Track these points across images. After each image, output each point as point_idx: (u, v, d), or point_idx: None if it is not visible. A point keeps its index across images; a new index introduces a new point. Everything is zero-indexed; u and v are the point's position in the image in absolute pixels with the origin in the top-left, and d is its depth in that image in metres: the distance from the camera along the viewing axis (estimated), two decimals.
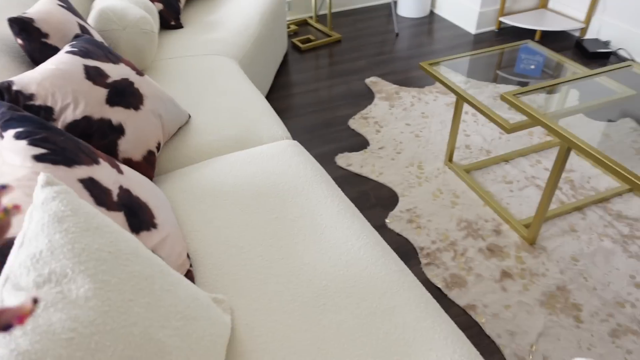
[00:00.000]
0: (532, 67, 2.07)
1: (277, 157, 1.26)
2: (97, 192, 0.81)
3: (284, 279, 0.92)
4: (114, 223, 0.68)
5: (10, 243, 0.64)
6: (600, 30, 2.87)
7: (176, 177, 1.22)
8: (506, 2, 3.08)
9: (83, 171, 0.82)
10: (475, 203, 1.75)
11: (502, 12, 3.08)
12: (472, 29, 3.14)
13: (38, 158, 0.78)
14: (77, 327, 0.52)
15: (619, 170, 1.17)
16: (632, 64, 1.70)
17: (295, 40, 3.07)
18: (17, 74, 1.22)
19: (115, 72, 1.20)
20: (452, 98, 2.40)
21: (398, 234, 1.64)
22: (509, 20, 3.04)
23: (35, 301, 0.30)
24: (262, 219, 1.06)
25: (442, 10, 3.43)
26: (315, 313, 0.86)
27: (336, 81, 2.65)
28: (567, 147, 1.35)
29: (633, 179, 1.13)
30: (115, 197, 0.85)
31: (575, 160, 1.93)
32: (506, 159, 1.96)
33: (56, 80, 1.07)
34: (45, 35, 1.26)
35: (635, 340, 1.29)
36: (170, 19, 2.11)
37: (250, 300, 0.89)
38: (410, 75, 2.67)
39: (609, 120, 1.61)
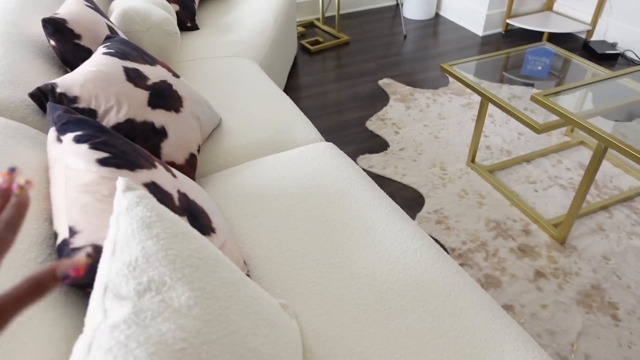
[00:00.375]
0: (539, 68, 2.08)
1: (318, 160, 1.24)
2: (161, 196, 0.79)
3: (345, 283, 0.91)
4: (192, 228, 0.66)
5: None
6: (607, 32, 2.90)
7: (216, 180, 1.20)
8: (513, 5, 3.10)
9: (145, 175, 0.80)
10: (502, 203, 1.75)
11: (509, 14, 3.11)
12: (480, 31, 3.16)
13: (102, 162, 0.76)
14: (187, 337, 0.50)
15: None
16: None
17: (304, 42, 3.05)
18: (51, 76, 1.18)
19: (154, 73, 1.17)
20: (467, 99, 2.40)
21: (428, 235, 1.63)
22: (515, 22, 3.06)
23: (89, 255, 0.33)
24: (312, 222, 1.05)
25: (448, 13, 3.44)
26: (382, 317, 0.85)
27: (348, 83, 2.64)
28: (603, 146, 1.36)
29: None
30: (177, 202, 0.82)
31: None
32: (527, 159, 1.97)
33: (99, 82, 1.04)
34: (78, 37, 1.23)
35: None
36: (186, 21, 2.08)
37: (312, 306, 0.87)
38: (423, 76, 2.67)
39: (621, 120, 1.62)
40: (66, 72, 1.28)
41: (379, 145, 2.11)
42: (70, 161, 0.76)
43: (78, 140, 0.78)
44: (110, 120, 1.03)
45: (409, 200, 1.80)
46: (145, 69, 1.16)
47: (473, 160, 1.93)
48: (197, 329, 0.52)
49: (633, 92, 1.63)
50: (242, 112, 1.47)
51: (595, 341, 1.29)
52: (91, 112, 1.01)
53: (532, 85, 1.96)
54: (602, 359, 1.25)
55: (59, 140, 0.80)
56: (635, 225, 1.64)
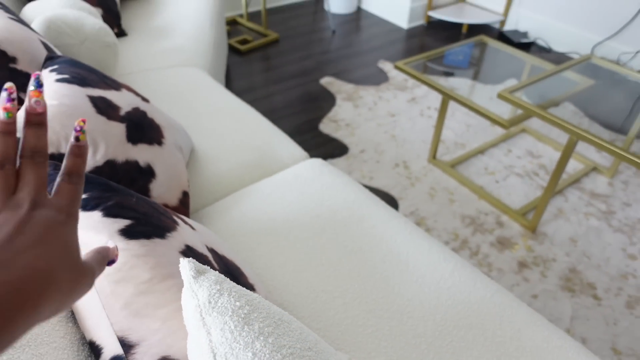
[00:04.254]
0: (461, 57, 2.17)
1: (317, 180, 1.15)
2: (201, 262, 0.65)
3: (397, 321, 0.84)
4: (277, 308, 0.54)
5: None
6: (518, 22, 3.12)
7: (210, 217, 1.05)
8: None
9: (177, 240, 0.65)
10: (470, 198, 1.79)
11: (430, 7, 3.20)
12: (405, 24, 3.22)
13: (127, 233, 0.60)
14: None
15: (623, 154, 1.25)
16: (592, 57, 1.85)
17: (231, 41, 2.87)
18: None
19: (123, 101, 0.98)
20: (411, 94, 2.43)
21: (454, 252, 1.61)
22: (437, 14, 3.17)
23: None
24: (337, 255, 0.96)
25: (370, 6, 3.46)
26: (448, 353, 0.79)
27: (289, 84, 2.54)
28: (575, 140, 1.43)
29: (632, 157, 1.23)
30: (215, 264, 0.68)
31: (540, 147, 2.07)
32: (481, 150, 2.04)
33: (66, 120, 0.84)
34: (13, 60, 0.99)
35: None
36: (112, 26, 1.82)
37: (372, 353, 0.79)
38: (363, 73, 2.65)
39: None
40: None
41: (338, 148, 2.05)
42: (86, 237, 0.58)
43: (85, 206, 0.61)
44: (87, 165, 0.84)
45: None
46: (112, 95, 0.97)
47: (434, 157, 1.96)
48: None
49: (572, 82, 1.75)
50: (212, 133, 1.31)
51: (586, 323, 1.37)
52: (62, 159, 0.81)
53: (452, 74, 2.01)
54: (597, 340, 1.33)
55: None
56: (588, 205, 1.77)
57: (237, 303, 0.48)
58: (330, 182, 1.14)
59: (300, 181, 1.15)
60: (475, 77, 1.91)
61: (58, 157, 0.81)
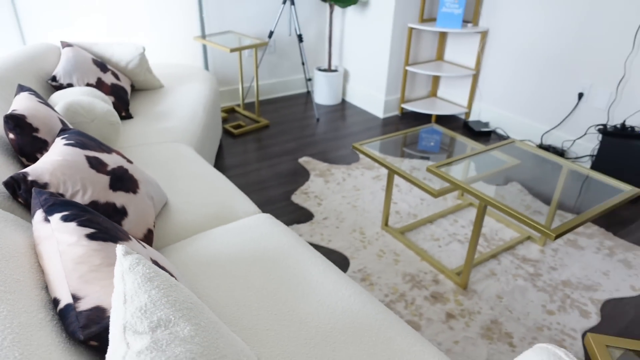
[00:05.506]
0: (432, 144, 2.53)
1: (260, 228, 1.44)
2: None
3: (295, 328, 1.08)
4: (178, 282, 0.82)
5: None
6: (480, 114, 3.55)
7: (172, 251, 1.34)
8: (405, 92, 3.68)
9: (126, 246, 0.94)
10: (414, 259, 2.04)
11: (403, 100, 3.67)
12: (380, 114, 3.68)
13: (90, 236, 0.90)
14: (195, 357, 0.66)
15: (524, 219, 1.53)
16: (515, 141, 2.20)
17: (227, 126, 3.32)
18: (10, 166, 1.29)
19: (111, 160, 1.33)
20: (376, 172, 2.78)
21: (357, 284, 1.85)
22: (409, 107, 3.62)
23: None
24: (262, 282, 1.22)
25: (352, 99, 3.95)
26: (329, 351, 1.03)
27: (271, 162, 2.92)
28: (484, 205, 1.72)
29: (537, 225, 1.50)
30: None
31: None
32: (430, 220, 2.32)
33: (65, 170, 1.18)
34: (36, 130, 1.36)
35: None
36: (121, 110, 2.25)
37: (271, 349, 1.03)
38: (337, 154, 3.03)
39: (498, 185, 2.05)
40: (21, 162, 1.38)
41: (305, 215, 2.35)
42: (61, 238, 0.89)
43: (66, 219, 0.92)
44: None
45: (336, 262, 2.02)
46: (103, 156, 1.32)
47: (386, 224, 2.24)
48: (200, 351, 0.68)
49: (502, 161, 2.08)
50: (185, 192, 1.64)
51: None
52: (60, 196, 1.14)
53: (427, 158, 2.37)
54: None
55: (47, 220, 0.93)
56: (518, 268, 2.01)
57: (147, 270, 0.77)
58: (269, 231, 1.44)
59: (247, 229, 1.44)
60: (438, 158, 2.26)
61: (50, 193, 1.14)
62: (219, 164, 2.88)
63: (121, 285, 0.74)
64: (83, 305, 0.79)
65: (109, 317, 0.79)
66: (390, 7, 3.28)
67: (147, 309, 0.70)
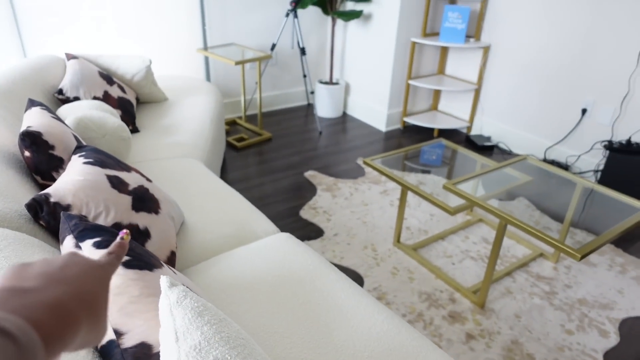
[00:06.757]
0: (434, 157, 2.52)
1: (283, 248, 1.40)
2: None
3: (331, 357, 1.04)
4: (225, 315, 0.78)
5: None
6: (482, 128, 3.56)
7: (194, 274, 1.29)
8: (407, 106, 3.68)
9: (161, 274, 0.90)
10: (428, 277, 2.01)
11: (405, 113, 3.67)
12: (383, 128, 3.66)
13: (126, 265, 0.85)
14: None
15: (551, 241, 1.51)
16: (527, 157, 2.20)
17: (229, 139, 3.27)
18: (27, 185, 1.23)
19: (132, 179, 1.28)
20: (384, 187, 2.75)
21: (388, 308, 1.81)
22: (411, 120, 3.62)
23: (127, 234, 0.48)
24: (290, 306, 1.18)
25: (353, 111, 3.94)
26: None
27: (276, 176, 2.88)
28: (504, 224, 1.71)
29: (563, 247, 1.49)
30: None
31: (494, 235, 2.34)
32: (442, 236, 2.30)
33: (88, 190, 1.13)
34: (52, 147, 1.31)
35: None
36: (128, 124, 2.19)
37: None
38: (343, 168, 3.01)
39: (505, 200, 2.04)
40: (35, 180, 1.32)
41: (315, 232, 2.31)
42: None
43: (98, 245, 0.87)
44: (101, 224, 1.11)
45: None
46: (123, 175, 1.27)
47: (398, 241, 2.21)
48: None
49: (514, 177, 2.07)
50: (201, 210, 1.59)
51: None
52: (85, 219, 1.08)
53: (432, 172, 2.35)
54: None
55: (78, 246, 0.88)
56: (533, 286, 1.99)
57: (196, 304, 0.72)
58: (292, 251, 1.40)
59: (269, 250, 1.40)
60: (448, 174, 2.24)
61: (80, 217, 1.08)
62: (223, 178, 2.83)
63: (170, 321, 0.69)
64: (127, 342, 0.74)
65: (155, 354, 0.74)
66: (394, 21, 3.29)
67: (201, 347, 0.66)
